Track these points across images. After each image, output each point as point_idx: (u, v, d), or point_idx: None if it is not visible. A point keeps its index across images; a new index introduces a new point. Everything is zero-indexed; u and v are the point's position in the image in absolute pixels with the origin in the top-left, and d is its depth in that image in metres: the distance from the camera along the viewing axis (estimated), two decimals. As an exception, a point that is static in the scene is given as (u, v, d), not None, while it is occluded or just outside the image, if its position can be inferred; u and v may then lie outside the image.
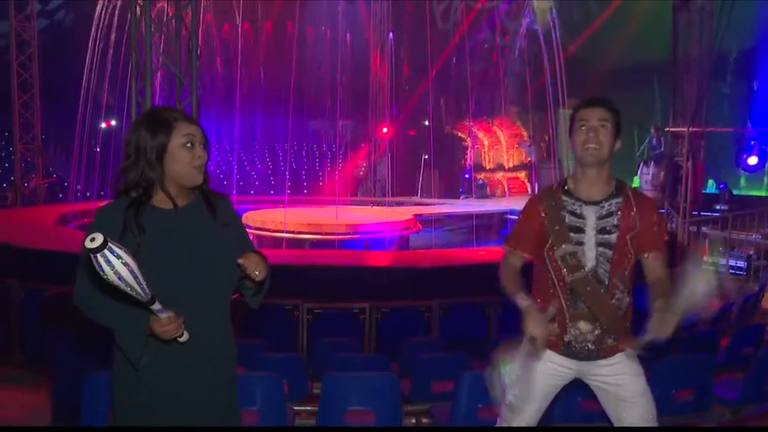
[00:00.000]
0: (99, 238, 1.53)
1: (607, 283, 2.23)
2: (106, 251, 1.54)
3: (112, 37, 12.48)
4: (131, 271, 1.58)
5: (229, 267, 1.87)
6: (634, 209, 2.25)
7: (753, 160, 14.50)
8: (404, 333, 5.43)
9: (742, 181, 15.81)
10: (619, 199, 2.26)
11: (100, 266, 1.55)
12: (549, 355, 2.31)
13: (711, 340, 4.72)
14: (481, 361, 4.15)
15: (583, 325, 2.25)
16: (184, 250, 1.85)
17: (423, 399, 3.65)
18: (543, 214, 2.29)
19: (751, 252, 9.98)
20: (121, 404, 1.90)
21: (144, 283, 1.63)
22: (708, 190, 14.88)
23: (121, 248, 1.58)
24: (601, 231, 2.24)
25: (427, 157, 18.64)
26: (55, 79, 14.15)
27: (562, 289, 2.26)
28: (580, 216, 2.26)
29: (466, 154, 19.91)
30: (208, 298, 1.89)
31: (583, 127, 2.24)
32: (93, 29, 12.69)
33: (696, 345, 4.50)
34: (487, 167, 20.14)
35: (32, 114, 13.63)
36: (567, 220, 2.26)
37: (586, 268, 2.22)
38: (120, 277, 1.57)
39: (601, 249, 2.23)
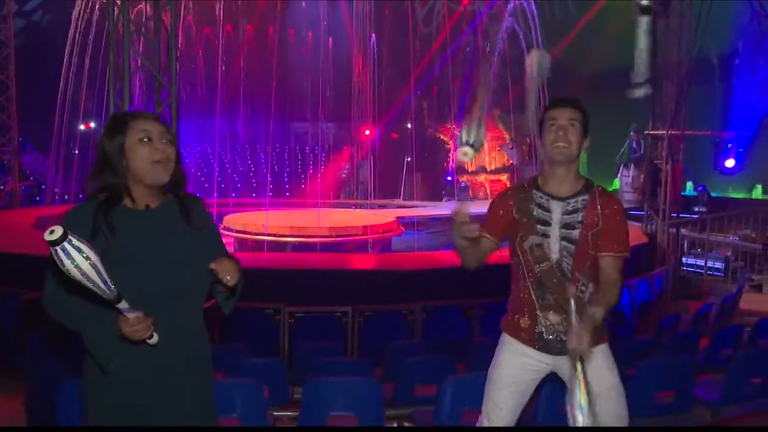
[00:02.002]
0: (58, 231, 1.50)
1: (569, 276, 2.28)
2: (66, 244, 1.51)
3: (91, 37, 12.30)
4: (93, 266, 1.55)
5: (201, 271, 1.84)
6: (599, 207, 2.31)
7: (730, 163, 14.74)
8: (387, 336, 5.41)
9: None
10: (586, 197, 2.32)
11: (60, 259, 1.52)
12: (524, 349, 2.36)
13: (691, 342, 4.76)
14: (465, 364, 4.16)
15: (552, 317, 2.31)
16: (154, 253, 1.82)
17: (406, 403, 3.63)
18: (512, 205, 2.36)
19: (729, 253, 10.12)
20: (92, 411, 1.85)
21: (108, 281, 1.59)
22: (687, 193, 15.08)
23: (83, 242, 1.54)
24: (565, 226, 2.30)
25: (409, 159, 18.67)
26: (32, 80, 13.92)
27: (531, 280, 2.33)
28: (547, 209, 2.33)
29: (449, 156, 19.97)
30: (179, 302, 1.85)
31: (553, 126, 2.30)
32: (71, 30, 12.51)
33: (676, 346, 4.54)
34: (470, 170, 20.20)
35: (9, 116, 13.39)
36: (535, 213, 2.33)
37: (551, 260, 2.29)
38: (82, 272, 1.54)
39: (564, 243, 2.29)
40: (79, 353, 1.88)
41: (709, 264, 10.01)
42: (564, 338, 2.28)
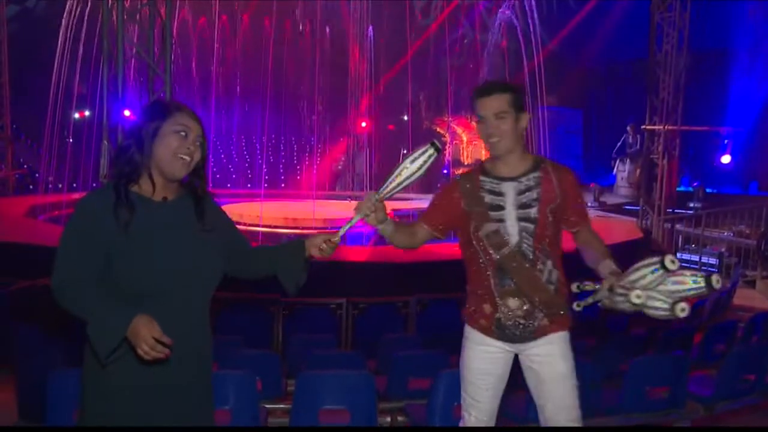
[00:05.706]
0: (436, 145, 2.10)
1: (532, 257, 2.26)
2: (435, 154, 2.10)
3: (85, 24, 12.17)
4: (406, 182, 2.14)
5: (211, 268, 1.88)
6: (554, 181, 2.29)
7: (726, 159, 14.78)
8: (381, 329, 5.39)
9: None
10: (537, 173, 2.30)
11: (425, 158, 2.11)
12: (484, 339, 2.36)
13: (685, 337, 4.76)
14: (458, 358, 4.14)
15: (512, 302, 2.28)
16: (168, 243, 1.81)
17: (399, 396, 3.62)
18: (458, 197, 2.35)
19: (723, 249, 10.13)
20: (90, 403, 1.82)
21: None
22: (682, 188, 15.10)
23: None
24: (521, 206, 2.27)
25: (405, 152, 18.63)
26: (25, 67, 13.80)
27: (490, 268, 2.30)
28: (499, 193, 2.30)
29: (445, 149, 19.93)
30: (185, 296, 1.83)
31: (482, 123, 2.30)
32: (65, 16, 12.38)
33: (670, 342, 4.53)
34: (466, 162, 20.17)
35: (1, 103, 13.28)
36: (486, 200, 2.30)
37: (511, 245, 2.26)
38: (415, 176, 2.10)
39: (522, 224, 2.26)
40: (75, 343, 1.85)
41: (704, 260, 10.01)
42: (522, 323, 2.27)
